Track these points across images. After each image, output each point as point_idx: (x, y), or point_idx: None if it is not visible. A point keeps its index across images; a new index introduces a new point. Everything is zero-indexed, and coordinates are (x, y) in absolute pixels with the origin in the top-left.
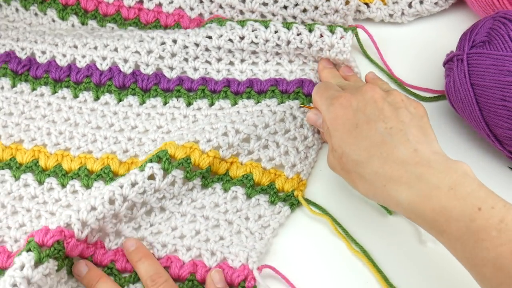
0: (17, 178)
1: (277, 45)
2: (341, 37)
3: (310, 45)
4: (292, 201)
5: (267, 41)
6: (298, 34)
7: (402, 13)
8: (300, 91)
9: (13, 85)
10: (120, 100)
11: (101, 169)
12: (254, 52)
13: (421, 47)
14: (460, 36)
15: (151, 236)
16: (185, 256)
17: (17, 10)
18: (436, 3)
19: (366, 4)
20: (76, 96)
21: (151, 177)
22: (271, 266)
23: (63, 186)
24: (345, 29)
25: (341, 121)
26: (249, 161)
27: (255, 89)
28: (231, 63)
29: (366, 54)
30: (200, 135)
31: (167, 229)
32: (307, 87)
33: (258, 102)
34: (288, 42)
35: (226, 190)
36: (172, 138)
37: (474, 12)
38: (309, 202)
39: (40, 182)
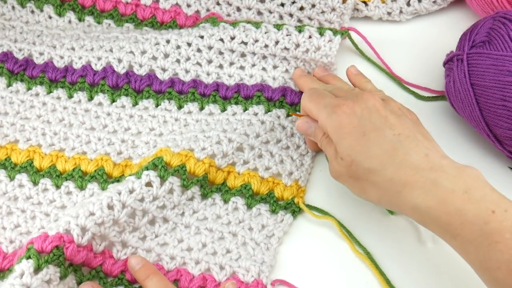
0: (12, 179)
1: (266, 45)
2: (329, 40)
3: (297, 45)
4: (294, 208)
5: (256, 41)
6: (287, 35)
7: (401, 11)
8: (283, 100)
9: (9, 85)
10: (113, 100)
11: (95, 171)
12: (243, 55)
13: (420, 47)
14: (460, 36)
15: (158, 247)
16: (195, 270)
17: (13, 8)
18: (434, 2)
19: (364, 2)
20: (70, 96)
21: (149, 184)
22: (284, 280)
23: (58, 187)
24: (335, 33)
25: (347, 129)
26: (246, 171)
27: (242, 95)
28: (221, 66)
29: (363, 54)
30: (195, 143)
31: (173, 241)
32: (290, 96)
33: (245, 108)
34: (277, 42)
35: (226, 201)
36: (166, 141)
37: (474, 11)
38: (310, 207)
39: (35, 183)
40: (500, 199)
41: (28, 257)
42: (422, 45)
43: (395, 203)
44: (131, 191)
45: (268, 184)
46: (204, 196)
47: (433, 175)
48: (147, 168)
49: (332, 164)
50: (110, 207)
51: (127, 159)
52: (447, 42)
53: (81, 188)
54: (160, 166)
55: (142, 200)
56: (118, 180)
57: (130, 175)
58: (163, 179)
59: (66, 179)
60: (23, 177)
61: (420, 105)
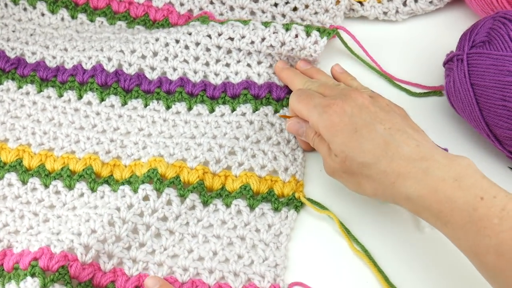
0: (1, 178)
1: (252, 42)
2: (315, 42)
3: (283, 44)
4: (296, 204)
5: (243, 37)
6: (274, 32)
7: (397, 11)
8: (270, 96)
9: (0, 83)
10: (102, 99)
11: (83, 170)
12: (229, 52)
13: (420, 47)
14: (460, 36)
15: (169, 259)
16: (210, 280)
17: (6, 5)
18: (431, 2)
19: (360, 2)
20: (60, 95)
21: (146, 198)
22: (301, 282)
23: (46, 186)
24: (322, 33)
25: (339, 127)
26: (243, 172)
27: (229, 94)
28: (207, 64)
29: (353, 52)
30: (187, 152)
31: (183, 252)
32: (275, 91)
33: (233, 108)
34: (263, 39)
35: (228, 205)
36: (157, 146)
37: (473, 11)
38: (311, 201)
39: (24, 182)
40: (490, 186)
41: (33, 274)
42: (422, 45)
43: (389, 195)
44: (129, 207)
45: (267, 182)
46: (205, 203)
47: (424, 165)
48: (142, 182)
49: (326, 161)
50: (111, 224)
51: (116, 158)
52: (447, 42)
53: (70, 187)
54: (155, 179)
55: (141, 214)
56: (107, 180)
57: (124, 184)
58: (159, 191)
59: (55, 179)
60: (12, 176)
61: (419, 106)
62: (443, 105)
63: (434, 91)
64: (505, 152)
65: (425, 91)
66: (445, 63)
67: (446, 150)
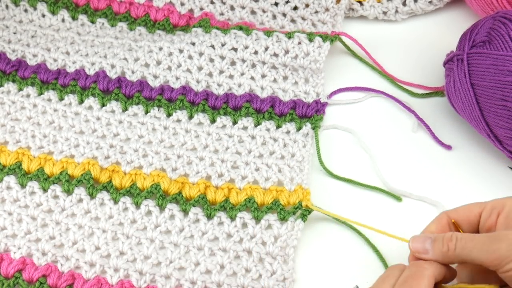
0: (0, 180)
1: (256, 52)
2: (318, 46)
3: (287, 51)
4: (302, 212)
5: (246, 47)
6: (277, 41)
7: (396, 11)
8: (272, 111)
9: (0, 85)
10: (103, 105)
11: (82, 175)
12: (232, 63)
13: (420, 46)
14: (460, 36)
15: (176, 272)
16: None
17: (7, 6)
18: (430, 2)
19: (360, 2)
20: (61, 99)
21: (149, 213)
22: None
23: (45, 190)
24: (324, 39)
25: None
26: (247, 185)
27: (230, 105)
28: (210, 74)
29: (356, 55)
30: (189, 167)
31: (190, 265)
32: (278, 106)
33: (234, 121)
34: (266, 48)
35: (232, 218)
36: (158, 156)
37: (474, 11)
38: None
39: (23, 186)
40: None
41: None
42: (422, 44)
43: None
44: (132, 222)
45: (272, 193)
46: (209, 217)
47: None
48: (145, 197)
49: None
50: (115, 239)
51: (115, 164)
52: (447, 42)
53: (68, 192)
54: (158, 195)
55: (144, 229)
56: (105, 187)
57: (124, 195)
58: (161, 207)
59: (53, 183)
60: (11, 179)
61: (419, 106)
62: (444, 105)
63: (436, 92)
64: (505, 152)
65: (427, 91)
66: (445, 63)
67: (449, 147)
